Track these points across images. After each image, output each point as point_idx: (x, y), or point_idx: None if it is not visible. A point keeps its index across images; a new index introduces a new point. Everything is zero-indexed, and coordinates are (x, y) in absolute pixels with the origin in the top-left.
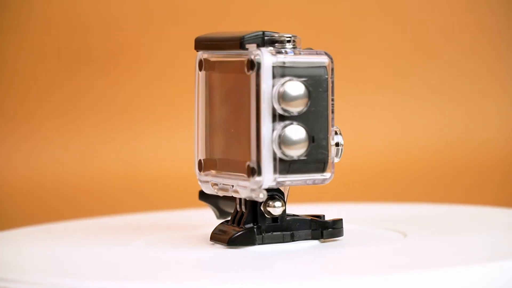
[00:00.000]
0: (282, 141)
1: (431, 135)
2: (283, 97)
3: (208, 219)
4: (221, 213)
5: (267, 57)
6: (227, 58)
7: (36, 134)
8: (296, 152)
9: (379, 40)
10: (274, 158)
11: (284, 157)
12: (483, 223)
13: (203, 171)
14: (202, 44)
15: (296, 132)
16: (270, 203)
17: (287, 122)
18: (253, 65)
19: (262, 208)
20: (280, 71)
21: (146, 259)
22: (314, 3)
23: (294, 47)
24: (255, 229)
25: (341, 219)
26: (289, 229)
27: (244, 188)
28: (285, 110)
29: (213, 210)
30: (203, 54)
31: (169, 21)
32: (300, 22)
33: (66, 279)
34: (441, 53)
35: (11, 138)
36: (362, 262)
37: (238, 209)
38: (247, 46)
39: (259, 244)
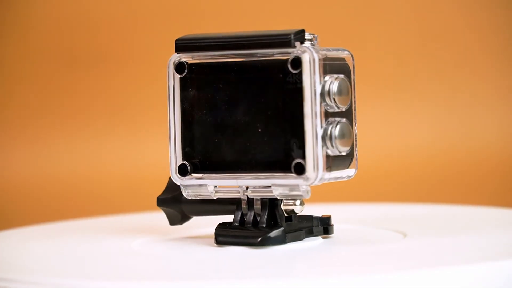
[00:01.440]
0: (337, 136)
1: (431, 138)
2: (338, 92)
3: (208, 218)
4: (182, 218)
5: (316, 54)
6: (240, 59)
7: (36, 135)
8: (345, 148)
9: (382, 45)
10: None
11: (336, 153)
12: (483, 223)
13: (191, 174)
14: (214, 44)
15: (347, 127)
16: (292, 201)
17: (336, 118)
18: (299, 63)
19: (282, 207)
20: (323, 68)
21: (146, 259)
22: (313, 7)
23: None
24: (285, 229)
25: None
26: (300, 227)
27: (281, 187)
28: (337, 106)
29: (171, 216)
30: (182, 57)
31: (170, 21)
32: (299, 24)
33: (66, 279)
34: (442, 59)
35: (11, 138)
36: (362, 262)
37: (244, 211)
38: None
39: (287, 243)
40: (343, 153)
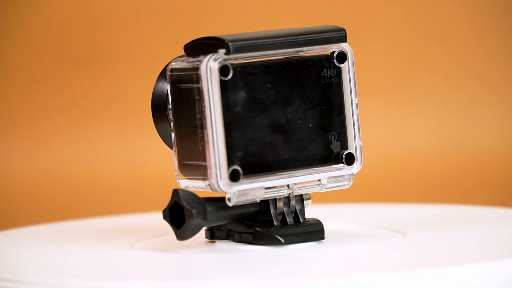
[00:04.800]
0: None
1: (432, 139)
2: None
3: None
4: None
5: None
6: (281, 56)
7: (36, 134)
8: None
9: (382, 46)
10: None
11: None
12: (483, 223)
13: (245, 179)
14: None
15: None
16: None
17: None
18: (345, 56)
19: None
20: None
21: (146, 260)
22: (314, 7)
23: None
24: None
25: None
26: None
27: (331, 180)
28: None
29: (195, 230)
30: (224, 59)
31: (172, 22)
32: (299, 24)
33: (66, 279)
34: (442, 60)
35: (11, 138)
36: (362, 262)
37: (280, 209)
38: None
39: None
40: None
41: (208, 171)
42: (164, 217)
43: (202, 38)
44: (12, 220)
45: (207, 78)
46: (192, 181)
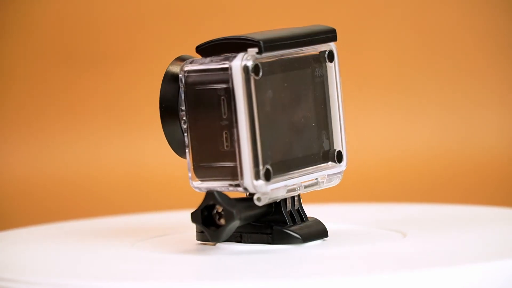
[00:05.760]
0: None
1: (432, 139)
2: None
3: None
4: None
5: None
6: (290, 55)
7: (36, 135)
8: None
9: (382, 47)
10: None
11: None
12: (483, 223)
13: (274, 178)
14: (276, 45)
15: None
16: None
17: None
18: (333, 55)
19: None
20: None
21: (146, 260)
22: (314, 8)
23: None
24: None
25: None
26: None
27: (327, 178)
28: None
29: (231, 231)
30: (247, 59)
31: (172, 23)
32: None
33: (66, 279)
34: (442, 61)
35: (11, 138)
36: (361, 262)
37: (289, 208)
38: None
39: None
40: None
41: (239, 172)
42: (194, 220)
43: (224, 38)
44: (12, 220)
45: (242, 77)
46: (210, 182)
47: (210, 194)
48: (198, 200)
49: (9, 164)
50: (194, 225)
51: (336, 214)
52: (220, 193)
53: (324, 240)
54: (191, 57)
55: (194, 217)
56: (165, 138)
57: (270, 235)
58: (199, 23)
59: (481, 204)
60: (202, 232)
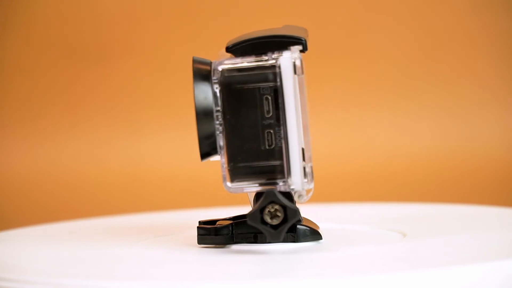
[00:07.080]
0: None
1: (432, 140)
2: None
3: (195, 220)
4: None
5: None
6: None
7: (36, 134)
8: None
9: (382, 48)
10: None
11: None
12: (483, 223)
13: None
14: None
15: None
16: None
17: None
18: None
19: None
20: None
21: (146, 260)
22: (314, 8)
23: None
24: None
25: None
26: None
27: None
28: None
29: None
30: (294, 57)
31: (173, 21)
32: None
33: (66, 279)
34: (443, 63)
35: (11, 138)
36: (361, 262)
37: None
38: None
39: None
40: None
41: (285, 170)
42: (253, 220)
43: (262, 37)
44: (12, 220)
45: (291, 75)
46: (247, 182)
47: (270, 193)
48: (198, 200)
49: (9, 164)
50: (193, 225)
51: (336, 214)
52: (278, 191)
53: (323, 240)
54: (204, 59)
55: (252, 218)
56: (167, 139)
57: (292, 234)
58: (202, 20)
59: (481, 204)
60: (203, 235)
